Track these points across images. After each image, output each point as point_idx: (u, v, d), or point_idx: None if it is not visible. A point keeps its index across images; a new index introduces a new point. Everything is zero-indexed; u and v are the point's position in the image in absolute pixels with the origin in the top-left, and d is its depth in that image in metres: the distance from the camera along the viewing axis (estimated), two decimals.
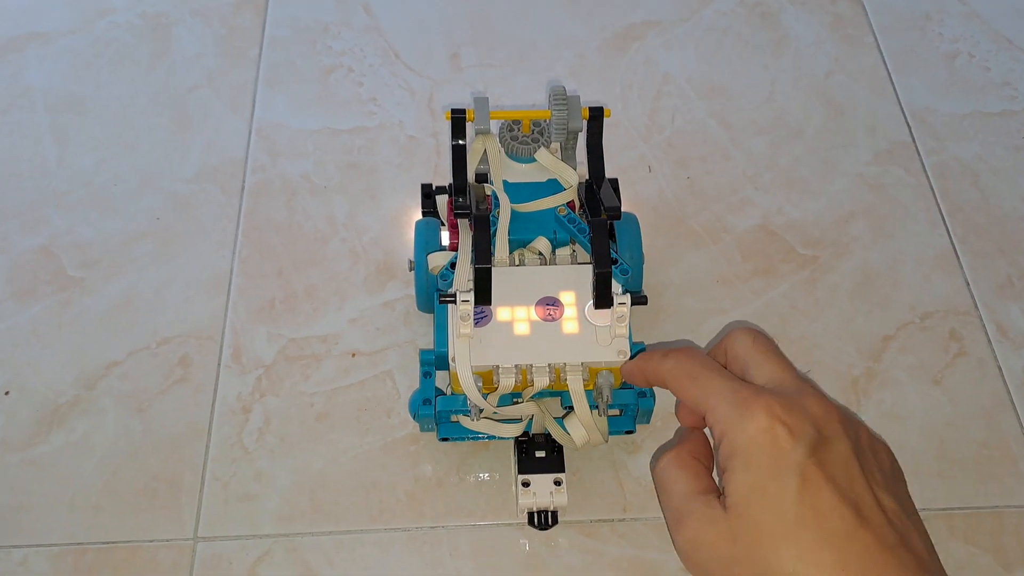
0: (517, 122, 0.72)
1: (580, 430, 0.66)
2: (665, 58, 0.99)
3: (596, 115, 0.70)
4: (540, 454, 0.69)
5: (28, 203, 0.87)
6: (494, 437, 0.69)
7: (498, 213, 0.69)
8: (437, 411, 0.68)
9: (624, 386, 0.67)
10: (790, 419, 0.46)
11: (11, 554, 0.69)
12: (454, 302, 0.63)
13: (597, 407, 0.65)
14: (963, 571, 0.69)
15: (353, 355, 0.78)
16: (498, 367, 0.63)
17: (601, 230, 0.63)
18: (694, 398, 0.51)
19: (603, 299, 0.62)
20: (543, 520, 0.69)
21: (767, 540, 0.44)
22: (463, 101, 0.95)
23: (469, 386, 0.63)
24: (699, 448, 0.53)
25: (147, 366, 0.78)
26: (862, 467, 0.46)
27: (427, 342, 0.79)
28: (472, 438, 0.71)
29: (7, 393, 0.77)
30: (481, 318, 0.64)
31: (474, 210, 0.65)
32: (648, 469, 0.73)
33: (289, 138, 0.92)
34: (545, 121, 0.72)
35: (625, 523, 0.71)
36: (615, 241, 0.74)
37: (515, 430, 0.68)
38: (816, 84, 0.97)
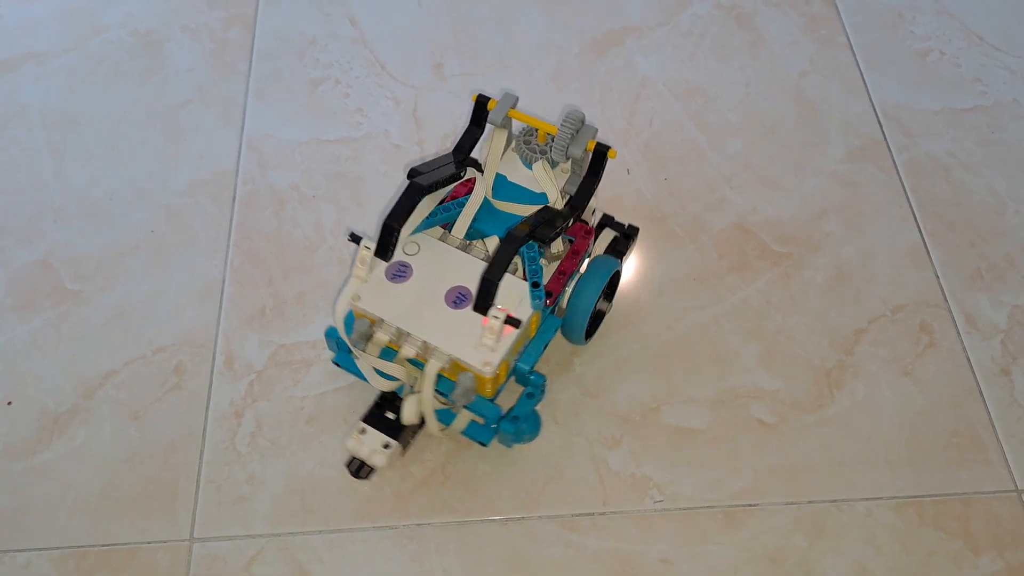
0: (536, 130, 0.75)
1: (411, 409, 0.69)
2: (643, 62, 1.01)
3: (600, 151, 0.71)
4: (389, 415, 0.72)
5: (26, 218, 0.90)
6: (366, 381, 0.71)
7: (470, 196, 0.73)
8: (335, 339, 0.73)
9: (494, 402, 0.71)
10: None
11: (15, 558, 0.72)
12: (357, 243, 0.68)
13: (448, 398, 0.68)
14: (934, 556, 0.72)
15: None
16: (382, 320, 0.68)
17: (511, 242, 0.66)
18: None
19: (480, 305, 0.65)
20: (358, 469, 0.71)
21: None
22: (447, 109, 0.98)
23: (338, 319, 0.68)
24: None
25: (143, 375, 0.81)
26: None
27: None
28: (356, 375, 0.74)
29: (9, 403, 0.79)
30: (400, 276, 0.69)
31: (416, 176, 0.69)
32: (627, 464, 0.76)
33: (278, 149, 0.95)
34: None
35: (605, 516, 0.74)
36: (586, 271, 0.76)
37: (387, 386, 0.71)
38: (790, 84, 0.99)
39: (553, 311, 0.75)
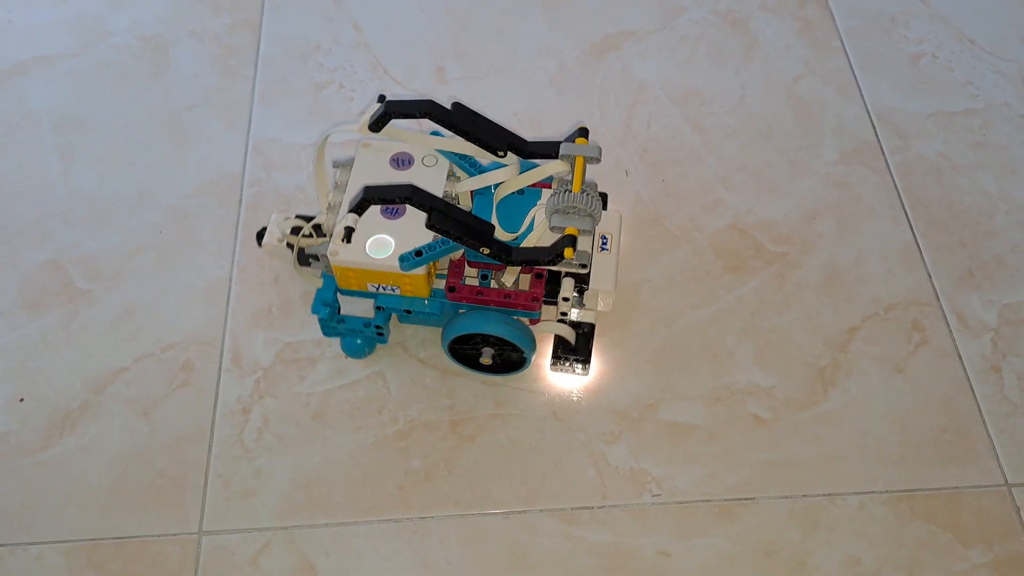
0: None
1: (275, 230, 0.82)
2: (641, 66, 1.03)
3: (562, 242, 0.69)
4: (315, 230, 0.81)
5: (36, 219, 0.92)
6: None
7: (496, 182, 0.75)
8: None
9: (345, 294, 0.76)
10: None
11: (28, 550, 0.74)
12: (381, 101, 0.73)
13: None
14: (924, 549, 0.74)
15: (346, 356, 0.83)
16: (349, 169, 0.77)
17: (411, 189, 0.68)
18: None
19: (349, 206, 0.70)
20: (259, 235, 0.85)
21: None
22: None
23: (323, 135, 0.75)
24: None
25: (152, 371, 0.83)
26: None
27: (416, 343, 0.83)
28: None
29: (22, 400, 0.81)
30: (396, 165, 0.76)
31: (454, 108, 0.72)
32: (625, 459, 0.78)
33: (283, 152, 0.97)
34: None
35: (604, 510, 0.76)
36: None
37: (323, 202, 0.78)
38: (785, 87, 1.01)
39: (454, 311, 0.77)
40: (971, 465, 0.77)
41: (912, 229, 0.90)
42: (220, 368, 0.83)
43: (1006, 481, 0.77)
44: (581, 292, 0.76)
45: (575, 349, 0.79)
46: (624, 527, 0.75)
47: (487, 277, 0.75)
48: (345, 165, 0.77)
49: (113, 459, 0.78)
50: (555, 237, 0.70)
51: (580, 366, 0.80)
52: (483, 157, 0.75)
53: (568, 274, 0.75)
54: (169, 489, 0.77)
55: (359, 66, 1.04)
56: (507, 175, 0.73)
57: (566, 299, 0.76)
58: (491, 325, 0.74)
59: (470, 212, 0.73)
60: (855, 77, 1.01)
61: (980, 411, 0.80)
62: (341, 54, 1.05)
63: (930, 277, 0.87)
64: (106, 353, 0.84)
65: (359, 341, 0.80)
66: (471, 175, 0.75)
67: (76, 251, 0.90)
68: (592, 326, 0.80)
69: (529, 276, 0.75)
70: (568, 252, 0.68)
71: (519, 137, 0.73)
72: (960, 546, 0.74)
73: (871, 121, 0.98)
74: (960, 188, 0.93)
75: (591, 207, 0.69)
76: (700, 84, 1.01)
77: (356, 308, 0.76)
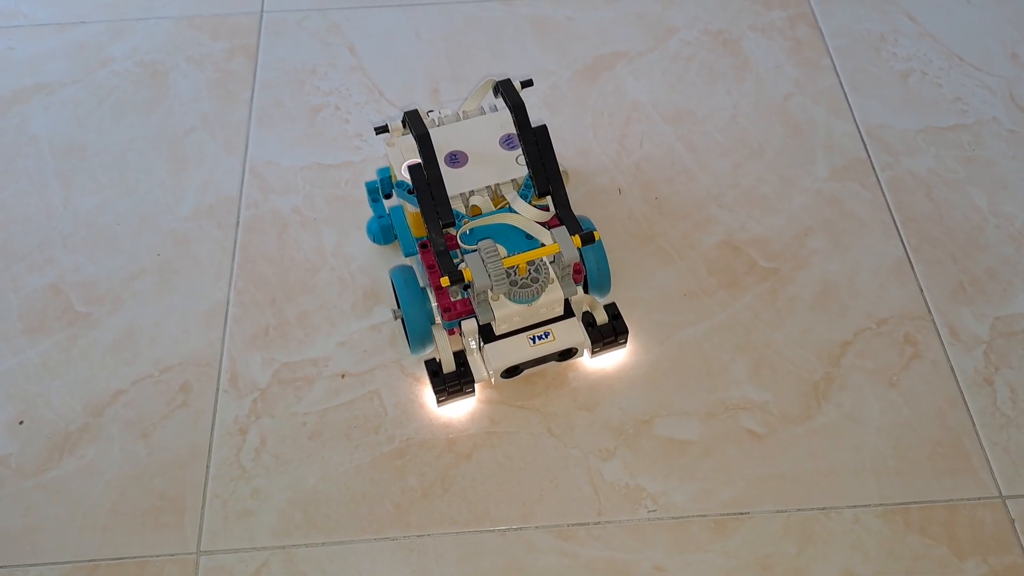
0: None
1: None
2: (634, 86, 1.04)
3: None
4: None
5: (36, 244, 0.93)
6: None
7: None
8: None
9: None
10: None
11: (28, 572, 0.75)
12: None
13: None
14: (920, 562, 0.74)
15: (343, 376, 0.84)
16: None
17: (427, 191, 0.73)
18: None
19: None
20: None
21: None
22: None
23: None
24: None
25: (150, 393, 0.83)
26: None
27: (411, 363, 0.84)
28: None
29: (21, 423, 0.82)
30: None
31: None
32: (620, 475, 0.78)
33: (280, 174, 0.98)
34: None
35: (600, 526, 0.76)
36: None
37: None
38: (776, 106, 1.02)
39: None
40: (965, 477, 0.78)
41: (904, 244, 0.91)
42: (218, 389, 0.83)
43: (1000, 493, 0.77)
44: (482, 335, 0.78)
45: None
46: (620, 543, 0.75)
47: (468, 287, 0.75)
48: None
49: (112, 480, 0.79)
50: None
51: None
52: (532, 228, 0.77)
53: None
54: (167, 510, 0.77)
55: (355, 89, 1.05)
56: (517, 221, 0.76)
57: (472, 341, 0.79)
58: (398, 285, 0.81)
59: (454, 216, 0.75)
60: (845, 95, 1.03)
61: (974, 423, 0.80)
62: (337, 77, 1.06)
63: (922, 291, 0.88)
64: (105, 376, 0.84)
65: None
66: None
67: (76, 275, 0.91)
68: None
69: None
70: (444, 280, 0.70)
71: (564, 188, 0.76)
72: (955, 559, 0.74)
73: (861, 138, 0.99)
74: (951, 203, 0.93)
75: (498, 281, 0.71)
76: (692, 103, 1.02)
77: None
